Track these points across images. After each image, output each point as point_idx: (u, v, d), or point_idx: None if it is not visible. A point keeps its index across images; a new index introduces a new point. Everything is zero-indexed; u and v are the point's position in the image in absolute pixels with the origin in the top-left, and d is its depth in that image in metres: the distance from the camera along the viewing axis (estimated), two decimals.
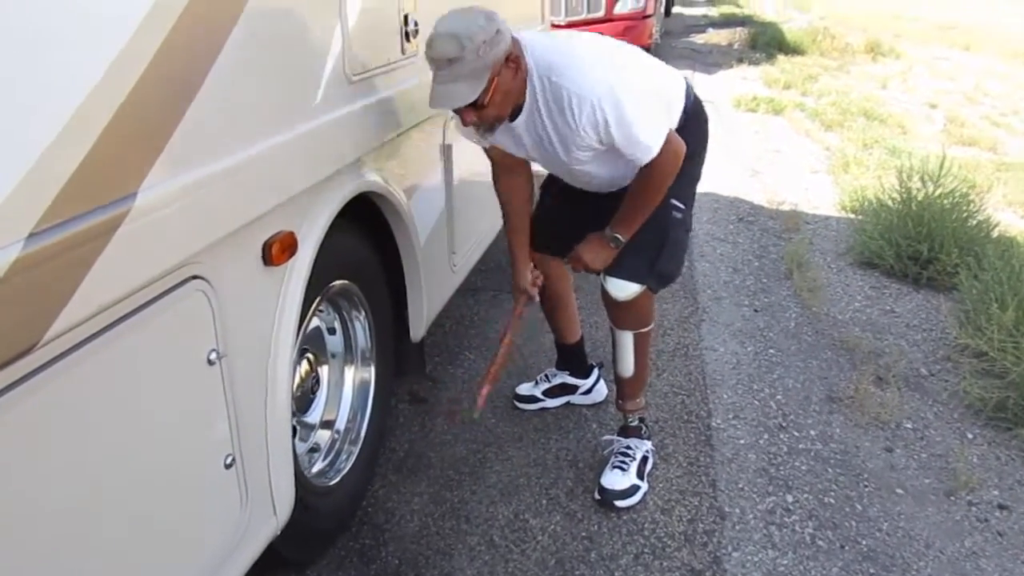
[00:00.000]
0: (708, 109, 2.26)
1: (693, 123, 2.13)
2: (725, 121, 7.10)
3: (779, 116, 7.53)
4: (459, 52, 1.61)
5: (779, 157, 6.08)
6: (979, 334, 3.06)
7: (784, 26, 14.84)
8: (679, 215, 2.10)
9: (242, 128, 1.32)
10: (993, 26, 19.26)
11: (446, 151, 2.37)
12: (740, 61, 11.16)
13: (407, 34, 1.97)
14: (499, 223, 3.13)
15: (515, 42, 1.75)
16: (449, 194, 2.42)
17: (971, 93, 9.65)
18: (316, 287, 1.68)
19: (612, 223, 2.02)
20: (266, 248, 1.43)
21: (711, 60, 11.20)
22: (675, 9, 17.67)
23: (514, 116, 1.87)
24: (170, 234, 1.14)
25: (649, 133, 1.83)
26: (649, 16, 9.30)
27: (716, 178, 5.40)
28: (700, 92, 2.30)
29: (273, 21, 1.41)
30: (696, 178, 2.22)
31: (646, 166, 1.88)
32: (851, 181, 5.29)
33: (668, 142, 1.86)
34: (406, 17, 1.96)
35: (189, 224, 1.18)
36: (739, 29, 14.92)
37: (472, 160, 2.64)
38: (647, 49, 3.24)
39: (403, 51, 1.97)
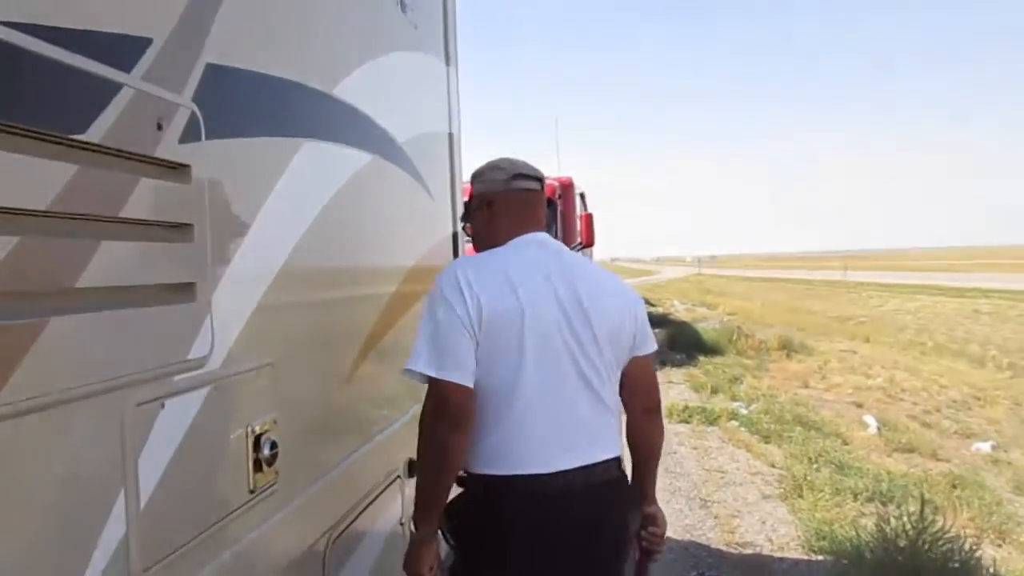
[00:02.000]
0: None
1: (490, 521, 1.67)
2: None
3: (714, 426, 7.20)
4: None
5: (725, 479, 5.57)
6: None
7: (699, 326, 15.51)
8: None
9: None
10: (880, 317, 20.87)
11: None
12: (663, 364, 11.22)
13: (259, 462, 1.38)
14: None
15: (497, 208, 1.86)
16: None
17: (889, 389, 9.80)
18: None
19: None
20: None
21: None
22: None
23: None
24: None
25: (417, 344, 1.65)
26: None
27: (666, 513, 4.80)
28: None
29: None
30: None
31: None
32: (809, 510, 4.76)
33: (432, 394, 1.62)
34: (258, 439, 1.38)
35: None
36: (656, 331, 15.42)
37: None
38: None
39: (252, 487, 1.37)
